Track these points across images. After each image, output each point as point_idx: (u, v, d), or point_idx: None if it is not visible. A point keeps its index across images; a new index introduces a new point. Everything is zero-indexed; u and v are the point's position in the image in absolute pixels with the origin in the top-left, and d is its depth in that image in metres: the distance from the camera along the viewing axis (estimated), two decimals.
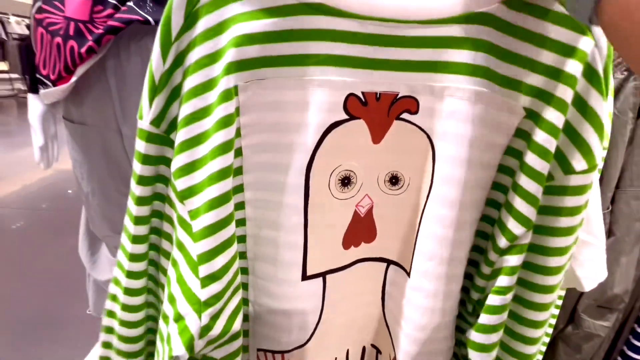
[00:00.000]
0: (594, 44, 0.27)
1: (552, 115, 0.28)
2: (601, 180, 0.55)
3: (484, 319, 0.34)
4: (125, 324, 0.36)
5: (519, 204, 0.31)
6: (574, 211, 0.30)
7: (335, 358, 0.42)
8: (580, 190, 0.30)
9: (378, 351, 0.44)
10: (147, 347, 0.39)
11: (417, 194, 0.35)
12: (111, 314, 0.38)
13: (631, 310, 0.65)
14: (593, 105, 0.28)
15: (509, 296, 0.33)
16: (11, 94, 5.98)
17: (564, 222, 0.30)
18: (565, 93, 0.28)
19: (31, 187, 2.46)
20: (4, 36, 5.55)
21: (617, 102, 0.54)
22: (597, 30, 0.26)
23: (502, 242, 0.32)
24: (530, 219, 0.31)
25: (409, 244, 0.36)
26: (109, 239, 0.78)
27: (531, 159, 0.30)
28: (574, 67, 0.27)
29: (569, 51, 0.27)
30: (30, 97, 0.69)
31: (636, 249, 0.57)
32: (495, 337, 0.34)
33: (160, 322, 0.33)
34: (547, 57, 0.28)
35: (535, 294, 0.33)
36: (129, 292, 0.35)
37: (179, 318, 0.31)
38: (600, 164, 0.31)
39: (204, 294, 0.30)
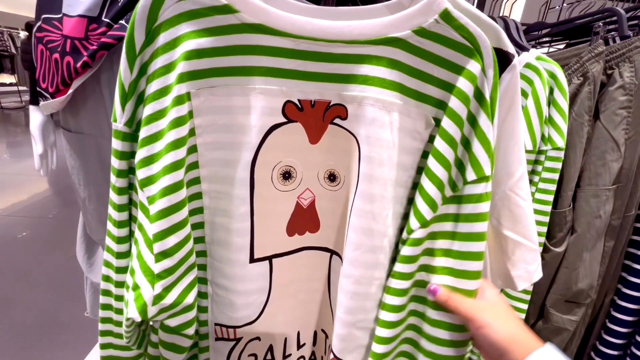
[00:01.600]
0: (481, 69, 0.33)
1: (450, 127, 0.34)
2: (561, 179, 0.58)
3: (387, 299, 0.39)
4: (119, 298, 0.40)
5: (420, 202, 0.36)
6: (477, 217, 0.35)
7: (286, 338, 0.46)
8: (475, 198, 0.35)
9: (326, 336, 0.47)
10: None
11: (348, 190, 0.39)
12: (107, 293, 0.41)
13: (601, 305, 0.67)
14: (481, 125, 0.34)
15: (407, 283, 0.38)
16: (20, 106, 6.13)
17: (476, 227, 0.35)
18: (460, 108, 0.34)
19: (38, 197, 2.52)
20: (13, 50, 5.71)
21: (575, 106, 0.57)
22: (487, 59, 0.33)
23: (404, 234, 0.37)
24: (426, 218, 0.36)
25: (344, 235, 0.40)
26: (104, 243, 0.82)
27: (433, 164, 0.35)
28: (465, 86, 0.33)
29: (461, 71, 0.33)
30: (31, 108, 0.74)
31: (599, 245, 0.60)
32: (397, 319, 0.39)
33: (124, 290, 0.38)
34: (445, 75, 0.34)
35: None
36: (120, 270, 0.39)
37: (135, 287, 0.35)
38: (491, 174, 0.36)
39: (157, 267, 0.34)
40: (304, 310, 0.46)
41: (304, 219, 0.41)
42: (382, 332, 0.39)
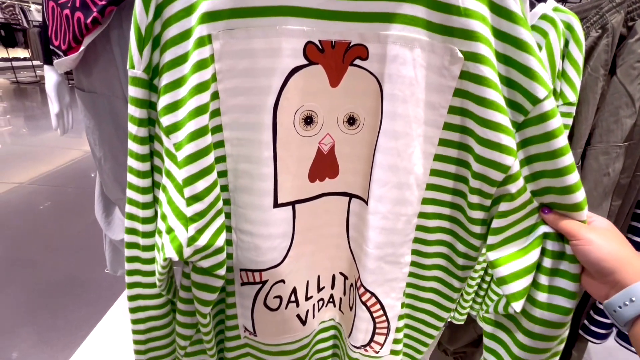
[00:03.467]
0: None
1: (481, 49, 0.32)
2: (571, 136, 0.57)
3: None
4: (148, 248, 0.41)
5: (498, 136, 0.33)
6: (556, 133, 0.32)
7: (307, 281, 0.48)
8: (551, 114, 0.32)
9: (345, 277, 0.49)
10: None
11: (371, 131, 0.39)
12: (133, 245, 0.41)
13: None
14: (514, 34, 0.31)
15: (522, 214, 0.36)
16: (34, 81, 6.22)
17: (555, 144, 0.32)
18: (481, 28, 0.32)
19: (59, 169, 2.60)
20: (25, 24, 5.72)
21: (591, 60, 0.55)
22: None
23: (497, 175, 0.34)
24: (512, 148, 0.33)
25: (367, 177, 0.41)
26: (121, 202, 0.85)
27: (482, 91, 0.33)
28: (477, 6, 0.31)
29: None
30: (46, 68, 0.75)
31: (605, 203, 0.59)
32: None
33: (156, 237, 0.39)
34: (461, 1, 0.32)
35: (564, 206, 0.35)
36: (146, 221, 0.40)
37: (170, 230, 0.37)
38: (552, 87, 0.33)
39: (189, 211, 0.35)
40: (324, 255, 0.47)
41: (324, 165, 0.41)
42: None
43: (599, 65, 0.54)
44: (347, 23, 0.34)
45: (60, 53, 0.63)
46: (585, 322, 0.71)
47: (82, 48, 0.60)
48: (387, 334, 0.47)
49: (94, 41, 0.60)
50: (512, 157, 0.33)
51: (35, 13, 6.14)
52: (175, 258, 0.36)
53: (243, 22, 0.33)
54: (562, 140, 0.32)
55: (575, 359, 0.80)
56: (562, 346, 0.38)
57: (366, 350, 0.49)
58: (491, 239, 0.37)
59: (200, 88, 0.33)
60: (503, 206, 0.36)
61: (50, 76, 0.76)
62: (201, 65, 0.33)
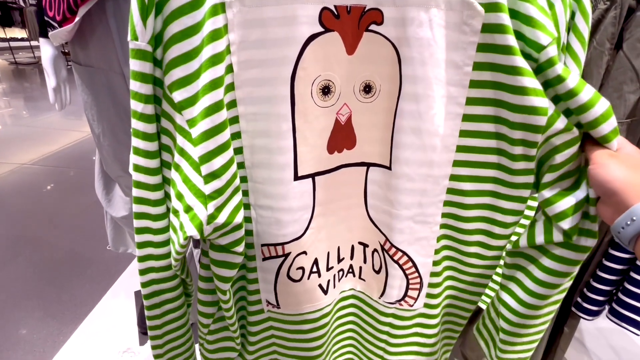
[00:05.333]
0: None
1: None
2: None
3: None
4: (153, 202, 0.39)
5: (531, 82, 0.33)
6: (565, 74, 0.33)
7: (328, 252, 0.48)
8: (555, 59, 0.33)
9: (365, 246, 0.49)
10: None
11: (387, 98, 0.38)
12: (140, 200, 0.39)
13: (600, 244, 0.68)
14: None
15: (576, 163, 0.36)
16: (33, 62, 6.14)
17: (569, 83, 0.33)
18: None
19: (60, 150, 2.60)
20: (22, 2, 5.60)
21: (597, 33, 0.53)
22: None
23: (539, 120, 0.34)
24: (540, 89, 0.33)
25: (386, 144, 0.40)
26: (121, 179, 0.85)
27: (506, 40, 0.33)
28: None
29: None
30: (42, 41, 0.74)
31: None
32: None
33: (171, 216, 0.38)
34: None
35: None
36: (156, 188, 0.38)
37: (188, 209, 0.35)
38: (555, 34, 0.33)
39: (207, 189, 0.34)
40: (344, 226, 0.47)
41: (342, 135, 0.40)
42: None
43: (605, 38, 0.53)
44: None
45: (55, 24, 0.62)
46: (579, 299, 0.72)
47: (77, 19, 0.59)
48: (420, 289, 0.48)
49: (89, 13, 0.59)
50: (544, 98, 0.34)
51: None
52: (197, 236, 0.35)
53: None
54: (572, 81, 0.33)
55: (567, 335, 0.82)
56: (569, 283, 0.41)
57: (401, 305, 0.49)
58: (547, 177, 0.37)
59: (215, 60, 0.32)
60: (556, 140, 0.36)
61: (47, 49, 0.75)
62: (215, 35, 0.31)
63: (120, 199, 0.92)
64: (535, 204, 0.52)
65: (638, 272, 0.66)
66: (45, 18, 0.65)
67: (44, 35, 0.72)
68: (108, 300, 1.26)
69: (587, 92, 0.33)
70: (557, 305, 0.43)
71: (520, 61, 0.33)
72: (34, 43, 6.29)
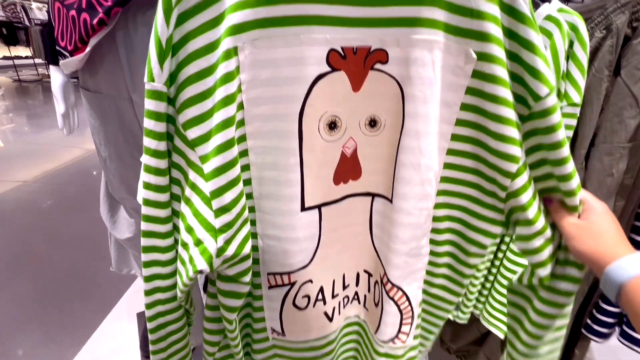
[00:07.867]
0: None
1: (494, 50, 0.34)
2: (575, 137, 0.57)
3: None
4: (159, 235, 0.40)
5: (507, 130, 0.36)
6: (556, 127, 0.35)
7: (334, 280, 0.49)
8: (552, 110, 0.35)
9: (369, 275, 0.50)
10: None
11: (392, 131, 0.40)
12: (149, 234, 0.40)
13: None
14: (524, 35, 0.33)
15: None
16: (36, 79, 6.23)
17: (557, 136, 0.35)
18: (494, 30, 0.33)
19: (62, 167, 2.61)
20: (27, 22, 5.72)
21: (595, 61, 0.55)
22: None
23: (510, 166, 0.37)
24: (519, 140, 0.36)
25: (389, 176, 0.42)
26: (126, 201, 0.85)
27: (494, 89, 0.35)
28: (490, 8, 0.32)
29: None
30: (52, 68, 0.75)
31: (609, 203, 0.60)
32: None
33: (180, 249, 0.39)
34: (475, 3, 0.33)
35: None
36: (164, 205, 0.38)
37: (198, 242, 0.37)
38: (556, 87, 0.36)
39: (218, 222, 0.36)
40: (349, 254, 0.48)
41: (347, 167, 0.42)
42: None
43: (603, 66, 0.54)
44: (368, 29, 0.34)
45: (67, 54, 0.64)
46: (588, 321, 0.72)
47: (88, 49, 0.60)
48: (411, 323, 0.49)
49: (99, 42, 0.61)
50: (520, 148, 0.36)
51: (37, 11, 6.14)
52: (207, 270, 0.36)
53: (267, 32, 0.33)
54: (561, 134, 0.35)
55: (578, 358, 0.81)
56: (569, 315, 0.44)
57: (394, 343, 0.50)
58: (520, 230, 0.40)
59: (227, 101, 0.33)
60: (523, 199, 0.38)
61: (56, 77, 0.76)
62: (228, 77, 0.33)
63: (124, 221, 0.92)
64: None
65: None
66: (57, 48, 0.67)
67: (55, 63, 0.74)
68: (110, 323, 1.25)
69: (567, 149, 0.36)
70: (563, 331, 0.45)
71: (506, 111, 0.35)
72: (37, 61, 6.39)
